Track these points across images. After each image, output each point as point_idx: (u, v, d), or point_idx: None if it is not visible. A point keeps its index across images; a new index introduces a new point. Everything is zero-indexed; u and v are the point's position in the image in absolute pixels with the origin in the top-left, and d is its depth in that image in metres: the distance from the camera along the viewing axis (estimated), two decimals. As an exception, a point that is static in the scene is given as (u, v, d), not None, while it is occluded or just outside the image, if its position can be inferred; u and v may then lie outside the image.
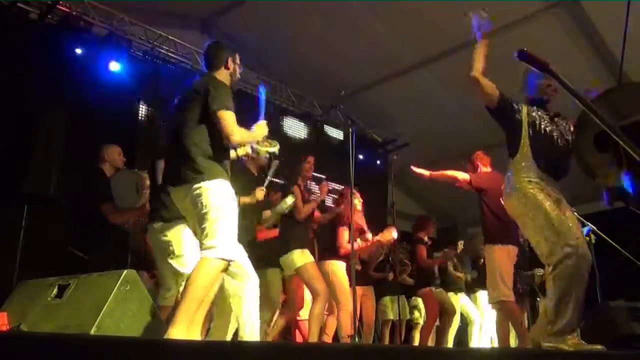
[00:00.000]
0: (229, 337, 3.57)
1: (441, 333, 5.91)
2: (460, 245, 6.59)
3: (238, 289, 3.34)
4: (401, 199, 7.92)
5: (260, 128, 2.98)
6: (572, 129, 3.12)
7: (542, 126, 3.05)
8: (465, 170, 4.47)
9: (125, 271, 2.84)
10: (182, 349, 1.63)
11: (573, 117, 3.04)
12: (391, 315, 6.52)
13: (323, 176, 6.94)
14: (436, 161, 4.48)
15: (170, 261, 3.40)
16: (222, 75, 2.91)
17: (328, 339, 4.63)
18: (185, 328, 2.39)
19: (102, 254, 4.03)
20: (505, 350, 3.94)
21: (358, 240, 4.96)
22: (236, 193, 2.78)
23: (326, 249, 4.80)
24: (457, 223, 9.78)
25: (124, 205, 4.10)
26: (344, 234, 4.69)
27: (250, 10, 6.90)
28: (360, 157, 7.95)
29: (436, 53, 7.23)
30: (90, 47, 5.94)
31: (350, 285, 4.13)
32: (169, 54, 6.69)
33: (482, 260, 5.86)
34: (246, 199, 3.90)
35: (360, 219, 4.98)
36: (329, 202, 7.40)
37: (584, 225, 4.72)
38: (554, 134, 3.07)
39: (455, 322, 6.12)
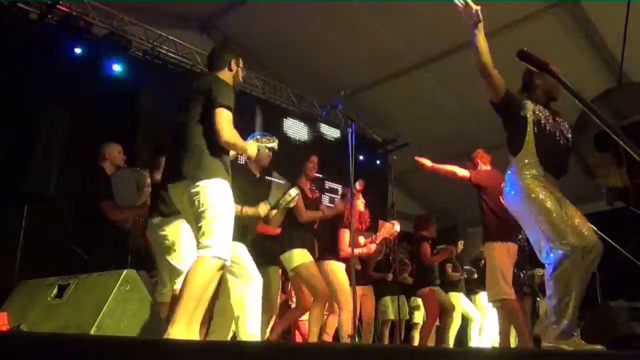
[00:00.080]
0: (229, 336, 3.58)
1: (441, 333, 5.92)
2: (460, 245, 6.58)
3: (241, 289, 3.34)
4: (401, 199, 7.92)
5: (251, 146, 2.98)
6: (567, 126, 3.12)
7: (546, 125, 3.05)
8: (465, 169, 4.48)
9: (125, 271, 2.84)
10: (182, 349, 1.63)
11: (573, 118, 3.05)
12: (391, 315, 6.53)
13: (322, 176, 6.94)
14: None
15: (167, 257, 3.39)
16: (225, 76, 2.93)
17: (328, 338, 4.63)
18: (185, 326, 2.41)
19: (102, 254, 4.04)
20: (505, 350, 3.94)
21: (370, 245, 5.07)
22: (240, 201, 2.76)
23: (326, 249, 4.79)
24: (457, 223, 9.77)
25: (124, 203, 4.12)
26: (345, 236, 4.68)
27: (250, 10, 6.90)
28: (361, 157, 7.96)
29: (436, 53, 7.22)
30: (90, 47, 5.94)
31: (351, 285, 4.13)
32: (169, 54, 6.68)
33: (482, 261, 5.86)
34: (249, 210, 3.80)
35: (364, 222, 4.91)
36: (328, 202, 7.41)
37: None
38: (557, 132, 3.07)
39: (456, 322, 6.12)
